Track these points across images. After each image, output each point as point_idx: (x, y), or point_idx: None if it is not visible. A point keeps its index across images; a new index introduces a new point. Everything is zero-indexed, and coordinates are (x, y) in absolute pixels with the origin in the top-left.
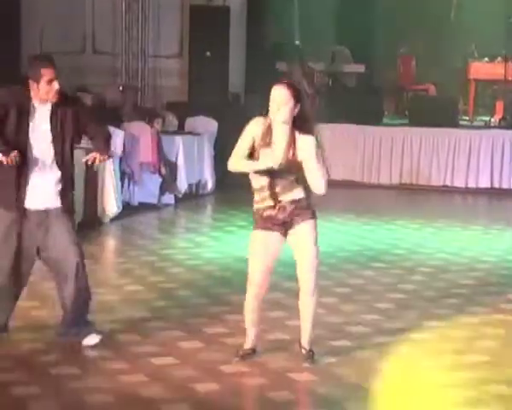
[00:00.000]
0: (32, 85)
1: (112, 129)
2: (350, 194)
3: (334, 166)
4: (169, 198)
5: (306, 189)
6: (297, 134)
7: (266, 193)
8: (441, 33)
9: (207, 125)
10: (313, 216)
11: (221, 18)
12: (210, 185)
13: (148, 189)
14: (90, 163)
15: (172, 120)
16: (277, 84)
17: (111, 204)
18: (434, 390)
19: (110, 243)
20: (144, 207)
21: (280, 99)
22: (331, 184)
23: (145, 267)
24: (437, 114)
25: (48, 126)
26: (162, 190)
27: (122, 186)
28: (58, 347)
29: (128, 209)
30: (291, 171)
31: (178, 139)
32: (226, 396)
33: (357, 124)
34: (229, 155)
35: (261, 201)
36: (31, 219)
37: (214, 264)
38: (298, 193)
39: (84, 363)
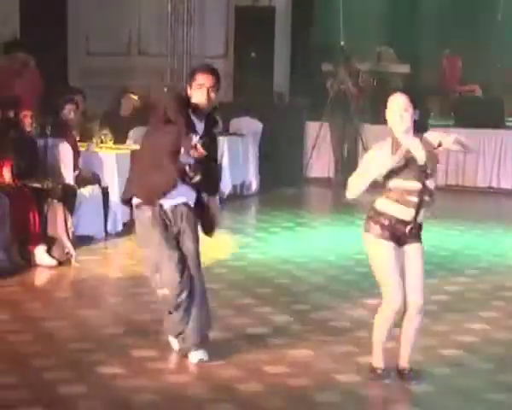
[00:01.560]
0: (188, 88)
1: None
2: None
3: None
4: None
5: None
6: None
7: (412, 199)
8: (488, 34)
9: (252, 126)
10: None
11: (266, 18)
12: (254, 186)
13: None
14: None
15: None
16: (393, 94)
17: None
18: (480, 394)
19: None
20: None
21: (400, 106)
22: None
23: None
24: (483, 114)
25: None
26: None
27: None
28: (103, 346)
29: None
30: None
31: (223, 140)
32: (270, 397)
33: None
34: (273, 154)
35: (398, 207)
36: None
37: (258, 265)
38: (424, 216)
39: (130, 363)
